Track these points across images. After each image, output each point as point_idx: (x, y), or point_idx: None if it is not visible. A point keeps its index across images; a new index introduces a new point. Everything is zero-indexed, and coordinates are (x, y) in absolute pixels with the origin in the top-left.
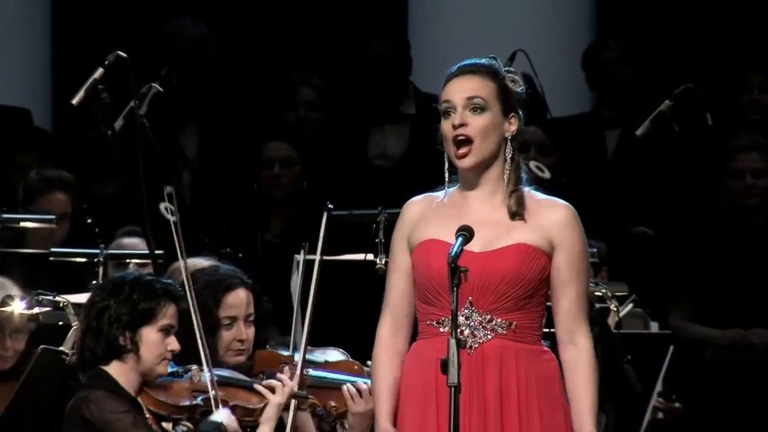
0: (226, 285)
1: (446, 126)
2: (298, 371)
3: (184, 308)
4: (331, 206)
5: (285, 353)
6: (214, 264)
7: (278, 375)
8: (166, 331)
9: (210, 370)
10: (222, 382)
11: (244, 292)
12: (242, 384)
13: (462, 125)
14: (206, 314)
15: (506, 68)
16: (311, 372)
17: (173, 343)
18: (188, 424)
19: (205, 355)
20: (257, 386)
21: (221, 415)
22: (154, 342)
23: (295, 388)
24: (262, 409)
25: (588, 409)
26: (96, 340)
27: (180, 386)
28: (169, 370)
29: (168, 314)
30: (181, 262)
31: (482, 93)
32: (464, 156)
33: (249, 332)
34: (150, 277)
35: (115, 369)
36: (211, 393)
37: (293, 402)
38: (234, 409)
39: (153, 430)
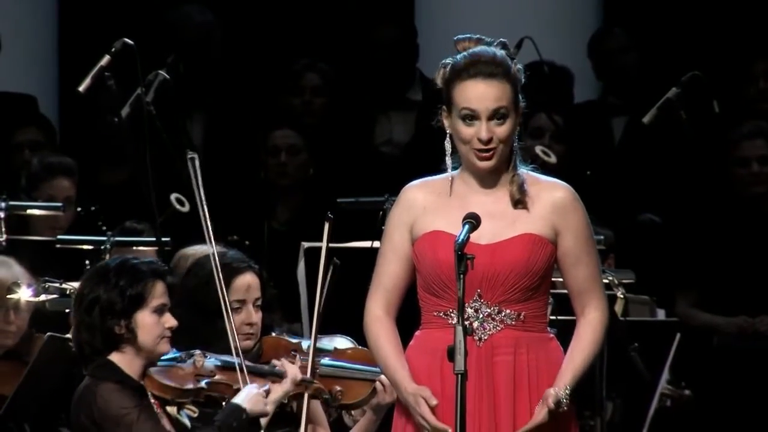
0: (233, 269)
1: (467, 132)
2: (310, 360)
3: (171, 283)
4: (331, 216)
5: (293, 340)
6: (220, 250)
7: (283, 361)
8: (159, 310)
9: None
10: (225, 367)
11: (251, 276)
12: (246, 369)
13: (489, 139)
14: (215, 298)
15: (507, 53)
16: (323, 361)
17: (169, 320)
18: (193, 408)
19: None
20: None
21: (243, 395)
22: (150, 324)
23: (300, 375)
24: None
25: (570, 368)
26: (92, 334)
27: (184, 371)
28: (173, 354)
29: (158, 293)
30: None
31: (505, 102)
32: (488, 159)
33: (257, 316)
34: (133, 259)
35: (118, 357)
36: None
37: (306, 393)
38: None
39: (158, 420)
